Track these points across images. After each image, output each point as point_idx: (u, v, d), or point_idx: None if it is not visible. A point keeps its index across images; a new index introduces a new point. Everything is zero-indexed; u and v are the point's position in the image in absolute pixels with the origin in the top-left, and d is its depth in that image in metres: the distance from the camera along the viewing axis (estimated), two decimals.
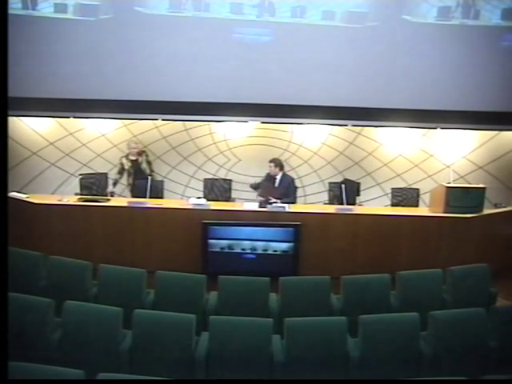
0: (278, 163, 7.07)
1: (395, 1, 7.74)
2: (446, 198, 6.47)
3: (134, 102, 7.81)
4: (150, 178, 7.05)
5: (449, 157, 8.43)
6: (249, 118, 8.17)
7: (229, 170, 8.53)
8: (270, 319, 4.18)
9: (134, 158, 7.56)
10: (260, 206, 6.65)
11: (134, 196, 7.30)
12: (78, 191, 7.34)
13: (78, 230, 6.40)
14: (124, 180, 7.64)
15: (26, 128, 8.45)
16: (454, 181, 7.54)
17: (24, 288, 4.41)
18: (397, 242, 6.39)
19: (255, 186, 7.24)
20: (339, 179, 8.00)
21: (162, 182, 7.73)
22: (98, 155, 8.42)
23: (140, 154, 7.60)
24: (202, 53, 7.73)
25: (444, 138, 8.43)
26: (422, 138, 8.52)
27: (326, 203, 7.52)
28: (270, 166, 7.03)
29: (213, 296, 5.04)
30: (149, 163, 7.66)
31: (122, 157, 7.64)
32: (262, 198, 6.91)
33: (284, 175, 7.09)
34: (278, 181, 7.02)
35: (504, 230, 6.56)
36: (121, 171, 7.55)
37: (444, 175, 8.09)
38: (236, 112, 7.97)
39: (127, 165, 7.55)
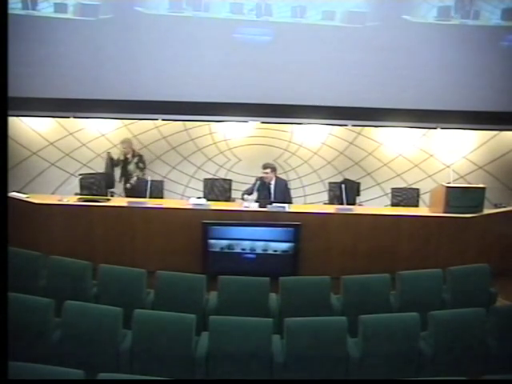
0: (273, 168, 6.89)
1: (395, 1, 7.74)
2: (446, 197, 6.46)
3: (134, 101, 7.81)
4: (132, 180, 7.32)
5: (449, 157, 8.42)
6: (249, 117, 8.17)
7: (229, 170, 8.53)
8: (270, 319, 4.18)
9: (122, 157, 7.58)
10: (260, 206, 6.65)
11: (126, 195, 7.31)
12: (78, 191, 7.34)
13: (78, 230, 6.40)
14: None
15: (26, 128, 8.45)
16: (453, 181, 7.53)
17: (24, 288, 4.41)
18: (397, 242, 6.39)
19: (248, 193, 6.88)
20: (339, 179, 8.00)
21: (162, 182, 7.73)
22: (98, 155, 8.41)
23: (133, 155, 7.59)
24: (202, 53, 7.73)
25: (444, 138, 8.43)
26: (421, 138, 8.52)
27: (326, 203, 7.52)
28: (267, 173, 6.78)
29: (213, 296, 5.04)
30: (138, 167, 7.56)
31: (108, 151, 7.68)
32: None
33: (277, 180, 6.91)
34: (272, 187, 6.83)
35: (504, 230, 6.55)
36: (108, 162, 7.54)
37: (444, 175, 8.09)
38: (236, 112, 7.97)
39: (119, 158, 7.59)
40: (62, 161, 8.50)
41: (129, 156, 7.55)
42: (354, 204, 7.12)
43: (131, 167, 7.54)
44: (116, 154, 7.75)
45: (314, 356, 4.03)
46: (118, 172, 7.73)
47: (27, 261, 5.12)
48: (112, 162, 7.51)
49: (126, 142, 7.64)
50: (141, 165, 7.59)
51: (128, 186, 7.47)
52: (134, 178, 7.42)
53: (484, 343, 4.22)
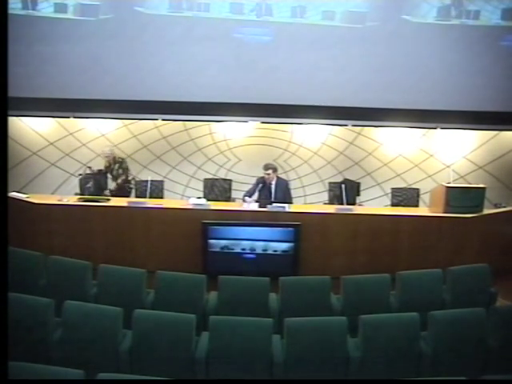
0: (274, 168, 6.83)
1: (395, 1, 7.75)
2: (445, 197, 6.46)
3: (134, 101, 7.82)
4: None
5: (449, 157, 8.43)
6: (249, 117, 8.17)
7: (229, 170, 8.53)
8: (270, 319, 4.17)
9: (107, 164, 7.55)
10: (260, 206, 6.65)
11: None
12: (78, 191, 7.34)
13: (78, 230, 6.39)
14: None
15: (26, 128, 8.45)
16: (453, 181, 7.53)
17: (24, 288, 4.41)
18: (397, 242, 6.38)
19: (250, 194, 6.85)
20: (339, 179, 8.00)
21: (162, 182, 7.73)
22: (98, 155, 8.41)
23: (115, 162, 7.59)
24: (202, 53, 7.73)
25: (444, 138, 8.43)
26: (421, 138, 8.52)
27: (326, 203, 7.53)
28: (269, 174, 6.72)
29: (213, 296, 5.04)
30: (122, 171, 7.57)
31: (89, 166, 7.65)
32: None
33: (278, 180, 6.86)
34: (273, 187, 6.79)
35: (504, 230, 6.55)
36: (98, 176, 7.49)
37: (444, 175, 8.09)
38: (236, 112, 7.97)
39: (106, 166, 7.58)
40: (61, 161, 8.51)
41: (111, 162, 7.55)
42: (354, 204, 7.12)
43: (114, 173, 7.55)
44: (96, 165, 7.75)
45: (314, 356, 4.03)
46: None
47: (27, 261, 5.12)
48: (100, 173, 7.50)
49: (106, 153, 7.64)
50: (120, 171, 7.59)
51: (112, 190, 7.50)
52: (119, 182, 7.49)
53: (484, 343, 4.22)
